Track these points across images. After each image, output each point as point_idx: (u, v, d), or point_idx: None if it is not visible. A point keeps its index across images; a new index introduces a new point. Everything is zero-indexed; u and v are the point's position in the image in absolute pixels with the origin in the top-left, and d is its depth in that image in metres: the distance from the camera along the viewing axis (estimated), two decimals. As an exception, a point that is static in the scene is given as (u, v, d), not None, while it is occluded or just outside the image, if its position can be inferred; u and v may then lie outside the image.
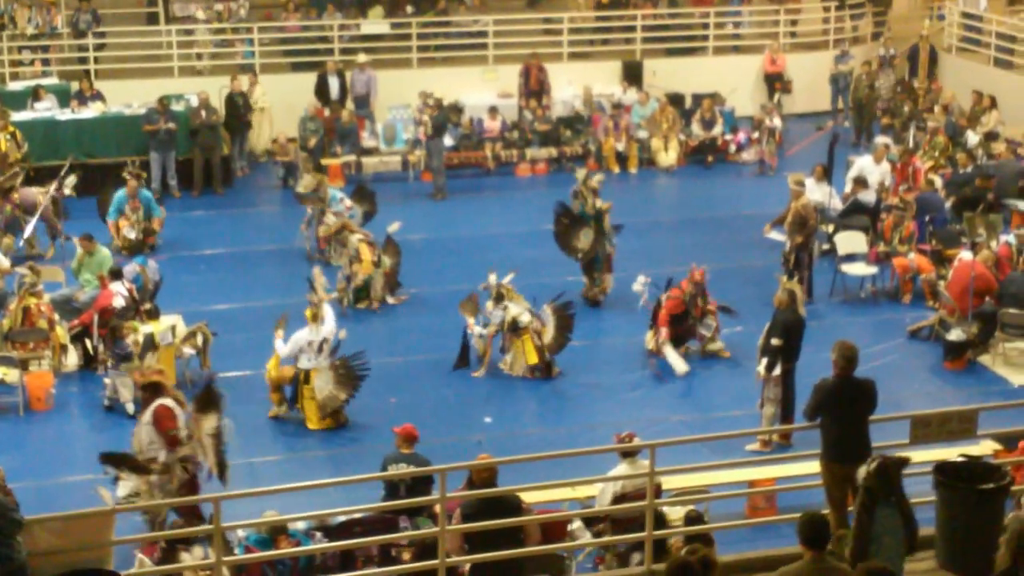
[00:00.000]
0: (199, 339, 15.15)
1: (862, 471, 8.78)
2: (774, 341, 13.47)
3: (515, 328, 15.38)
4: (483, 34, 26.65)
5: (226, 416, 11.46)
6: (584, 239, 17.34)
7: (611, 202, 17.67)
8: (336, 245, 18.27)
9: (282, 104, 24.28)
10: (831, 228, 18.83)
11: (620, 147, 24.14)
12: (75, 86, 23.67)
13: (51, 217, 18.83)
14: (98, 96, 23.32)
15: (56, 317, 15.45)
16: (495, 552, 9.55)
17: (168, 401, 11.58)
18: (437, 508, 10.23)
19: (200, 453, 11.33)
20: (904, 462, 8.84)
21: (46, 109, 22.71)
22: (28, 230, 18.38)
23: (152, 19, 26.55)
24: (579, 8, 28.04)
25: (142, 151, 21.89)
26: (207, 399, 11.44)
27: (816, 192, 18.60)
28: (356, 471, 12.18)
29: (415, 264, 18.30)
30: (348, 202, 18.90)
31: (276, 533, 10.68)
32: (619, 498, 10.58)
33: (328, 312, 14.38)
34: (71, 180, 19.25)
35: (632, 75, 26.43)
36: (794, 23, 28.54)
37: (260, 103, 24.05)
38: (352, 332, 15.12)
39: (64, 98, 23.26)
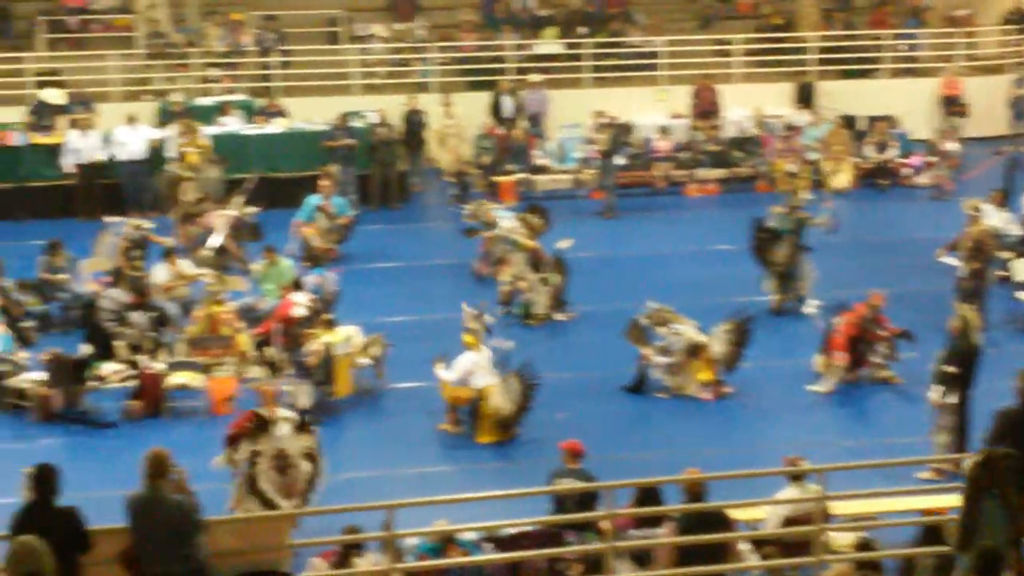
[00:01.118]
0: (375, 350, 15.57)
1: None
2: (950, 369, 13.27)
3: (694, 351, 15.44)
4: (655, 55, 26.78)
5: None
6: (780, 252, 17.56)
7: (828, 215, 18.02)
8: (498, 257, 18.62)
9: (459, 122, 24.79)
10: (1009, 255, 18.47)
11: (792, 168, 24.00)
12: (260, 102, 24.51)
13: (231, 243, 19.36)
14: (281, 112, 24.12)
15: (240, 325, 16.02)
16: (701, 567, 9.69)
17: None
18: (604, 524, 10.43)
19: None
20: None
21: (233, 124, 23.57)
22: (213, 244, 18.98)
23: (333, 38, 27.31)
24: (751, 30, 27.98)
25: (323, 166, 22.52)
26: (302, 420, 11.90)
27: (994, 218, 18.28)
28: (523, 484, 12.38)
29: (583, 282, 18.47)
30: (510, 223, 19.00)
31: (446, 542, 10.93)
32: (787, 522, 10.59)
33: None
34: (239, 200, 19.71)
35: (805, 96, 26.27)
36: (970, 46, 28.02)
37: (451, 123, 24.40)
38: (519, 348, 15.35)
39: (250, 114, 24.12)
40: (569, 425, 14.20)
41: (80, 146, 22.46)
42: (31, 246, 18.98)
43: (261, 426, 11.73)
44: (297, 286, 16.16)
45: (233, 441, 11.77)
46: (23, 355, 15.53)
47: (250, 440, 11.70)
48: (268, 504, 11.62)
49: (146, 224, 18.56)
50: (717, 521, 10.03)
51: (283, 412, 12.03)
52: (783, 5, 29.09)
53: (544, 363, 14.81)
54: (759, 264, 18.03)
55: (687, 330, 15.53)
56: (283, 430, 11.77)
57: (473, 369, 14.30)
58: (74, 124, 22.78)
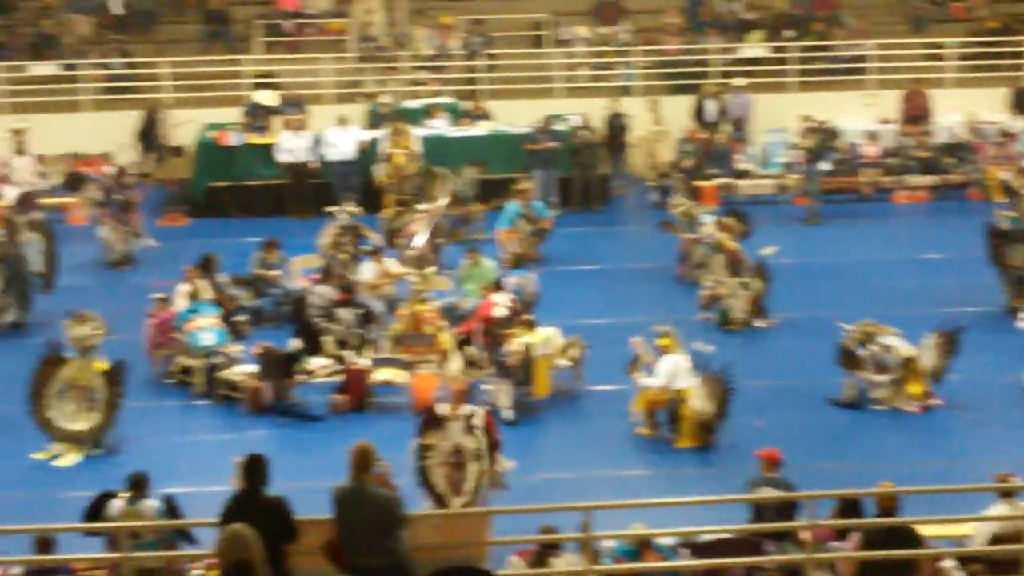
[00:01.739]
0: (574, 352, 15.65)
1: None
2: None
3: (905, 364, 15.11)
4: (863, 58, 26.25)
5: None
6: (1018, 255, 17.16)
7: None
8: (697, 262, 18.53)
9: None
10: None
11: (1007, 177, 23.19)
12: (466, 105, 24.88)
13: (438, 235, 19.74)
14: (486, 115, 24.44)
15: (443, 324, 16.29)
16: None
17: None
18: (803, 535, 10.29)
19: None
20: None
21: (439, 126, 23.99)
22: (417, 243, 19.31)
23: (538, 42, 27.53)
24: (965, 33, 27.18)
25: (525, 168, 22.73)
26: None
27: None
28: (721, 491, 12.33)
29: (785, 289, 18.22)
30: (711, 228, 18.92)
31: (643, 546, 10.93)
32: (995, 539, 10.29)
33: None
34: (442, 201, 20.08)
35: (1021, 102, 25.39)
36: None
37: (658, 128, 24.31)
38: (718, 353, 15.21)
39: (456, 116, 24.51)
40: (768, 433, 14.06)
41: (292, 146, 23.14)
42: (245, 243, 19.67)
43: (435, 421, 11.88)
44: (498, 286, 16.36)
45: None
46: (236, 348, 16.05)
47: (423, 434, 11.89)
48: (439, 499, 11.79)
49: (358, 212, 19.06)
50: (906, 537, 9.73)
51: (467, 409, 12.15)
52: (999, 8, 28.17)
53: (743, 370, 14.67)
54: (996, 270, 17.63)
55: (897, 343, 15.19)
56: (460, 427, 11.91)
57: (675, 371, 14.24)
58: (287, 125, 23.49)
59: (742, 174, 24.16)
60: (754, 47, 27.01)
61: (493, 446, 12.16)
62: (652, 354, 14.59)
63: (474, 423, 12.04)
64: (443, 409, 12.07)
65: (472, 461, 11.94)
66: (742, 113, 25.11)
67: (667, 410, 14.46)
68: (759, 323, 17.74)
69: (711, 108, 24.93)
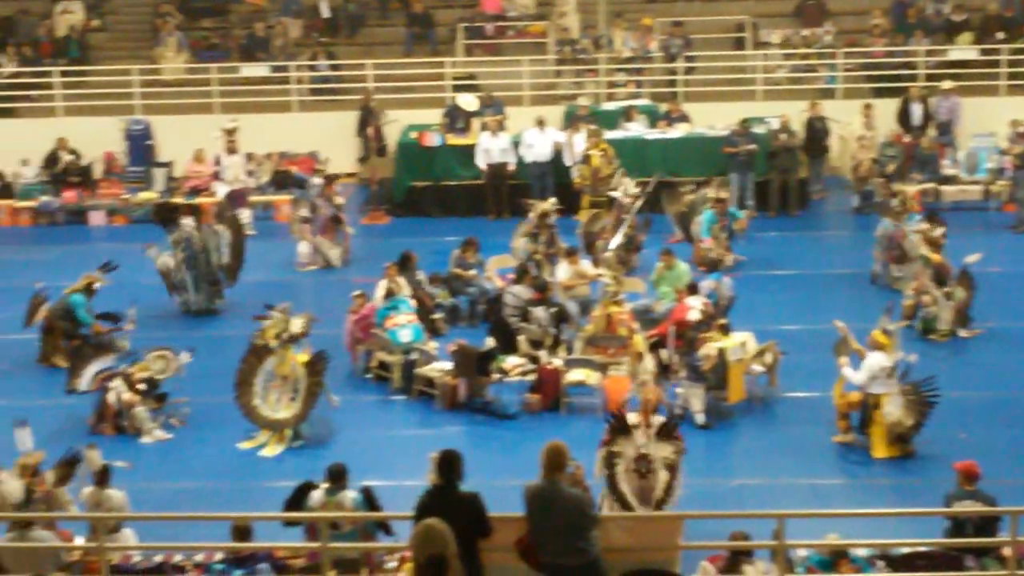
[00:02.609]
0: (768, 357, 15.47)
1: None
2: None
3: None
4: (1078, 61, 25.31)
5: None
6: None
7: None
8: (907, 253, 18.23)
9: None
10: None
11: None
12: (664, 107, 24.82)
13: (634, 233, 19.78)
14: (684, 117, 24.33)
15: (636, 326, 16.30)
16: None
17: None
18: (1005, 551, 10.00)
19: None
20: None
21: (636, 129, 23.98)
22: (614, 241, 19.37)
23: (739, 44, 27.28)
24: None
25: (722, 171, 22.54)
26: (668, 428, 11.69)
27: None
28: (918, 503, 12.07)
29: (991, 298, 17.69)
30: (924, 224, 18.58)
31: (837, 557, 10.76)
32: None
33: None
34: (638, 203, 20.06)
35: None
36: None
37: (868, 133, 23.86)
38: (921, 363, 14.87)
39: (653, 118, 24.46)
40: (970, 446, 13.66)
41: (490, 147, 23.43)
42: (443, 242, 20.01)
43: (622, 428, 11.69)
44: (693, 290, 16.29)
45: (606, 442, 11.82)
46: (432, 345, 16.34)
47: (611, 441, 11.69)
48: (626, 507, 11.61)
49: (552, 209, 19.21)
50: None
51: (657, 419, 11.87)
52: None
53: (946, 380, 14.28)
54: None
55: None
56: (648, 435, 11.65)
57: (878, 373, 13.94)
58: (485, 126, 23.79)
59: (948, 179, 23.52)
60: (963, 49, 26.26)
61: (678, 452, 11.87)
62: (861, 345, 14.29)
63: (665, 431, 11.76)
64: (633, 417, 11.88)
65: (661, 470, 11.66)
66: (949, 117, 24.47)
67: (860, 414, 14.18)
68: (963, 333, 17.27)
69: (916, 111, 24.35)
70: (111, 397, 14.75)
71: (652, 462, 11.61)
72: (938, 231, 18.39)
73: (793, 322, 17.60)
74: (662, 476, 11.61)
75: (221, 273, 18.96)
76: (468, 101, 24.67)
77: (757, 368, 15.46)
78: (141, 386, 14.84)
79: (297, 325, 14.83)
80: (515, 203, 21.73)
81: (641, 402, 12.08)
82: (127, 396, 14.70)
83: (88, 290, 17.37)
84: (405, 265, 17.75)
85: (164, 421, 14.85)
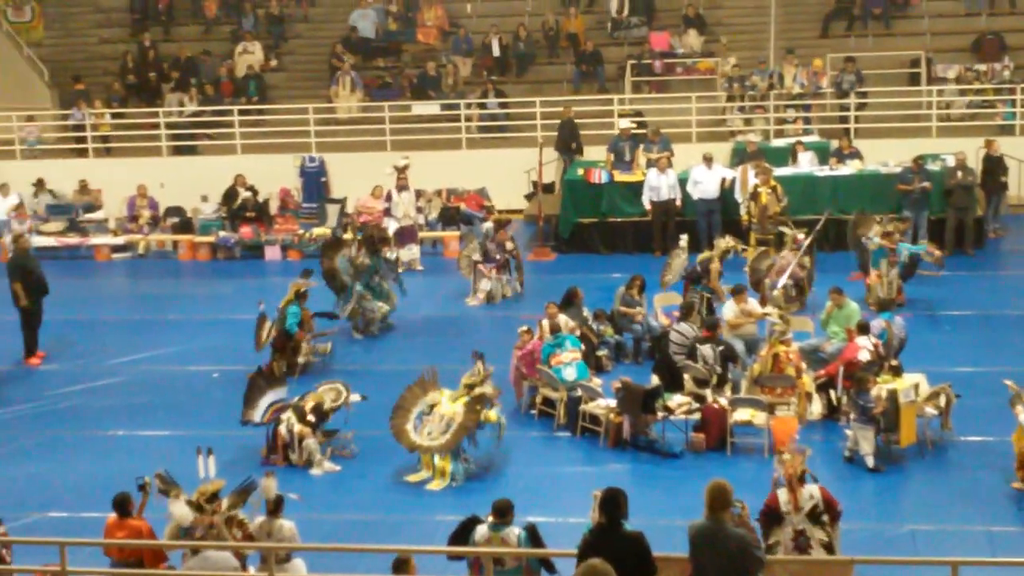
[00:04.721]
0: (942, 400, 15.08)
1: None
2: None
3: None
4: None
5: None
6: None
7: None
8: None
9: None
10: None
11: None
12: (834, 144, 24.49)
13: (800, 276, 19.54)
14: (856, 154, 23.97)
15: (804, 366, 16.06)
16: None
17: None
18: None
19: None
20: None
21: (806, 166, 23.71)
22: (779, 284, 19.19)
23: (914, 79, 26.80)
24: None
25: (895, 209, 22.14)
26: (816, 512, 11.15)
27: None
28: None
29: None
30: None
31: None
32: None
33: None
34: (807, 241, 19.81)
35: None
36: None
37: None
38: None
39: (823, 155, 24.16)
40: None
41: (658, 184, 23.41)
42: (609, 279, 20.03)
43: (776, 519, 11.05)
44: (863, 330, 15.99)
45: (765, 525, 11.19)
46: (597, 382, 16.33)
47: (766, 534, 10.97)
48: None
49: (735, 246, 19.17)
50: None
51: (805, 494, 11.20)
52: None
53: None
54: None
55: None
56: (802, 517, 11.04)
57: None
58: (650, 163, 23.79)
59: None
60: None
61: (834, 518, 11.31)
62: None
63: (817, 510, 11.09)
64: (783, 503, 11.13)
65: (818, 549, 11.05)
66: None
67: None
68: None
69: (1099, 148, 23.63)
70: (282, 428, 15.09)
71: (810, 538, 11.11)
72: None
73: (967, 364, 17.14)
74: (817, 553, 11.00)
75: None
76: (627, 125, 24.77)
77: (930, 411, 15.07)
78: (311, 418, 15.14)
79: (489, 388, 14.98)
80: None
81: (786, 479, 11.34)
82: (299, 428, 15.02)
83: (300, 297, 17.92)
84: (571, 301, 17.80)
85: (332, 453, 15.12)
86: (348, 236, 20.96)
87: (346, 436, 15.39)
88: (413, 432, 14.72)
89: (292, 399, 15.50)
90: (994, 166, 23.17)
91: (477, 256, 21.13)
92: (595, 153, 25.20)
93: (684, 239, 19.92)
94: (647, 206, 23.47)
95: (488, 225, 21.60)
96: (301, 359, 17.76)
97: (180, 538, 11.30)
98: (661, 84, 28.16)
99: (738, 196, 22.82)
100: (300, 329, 17.81)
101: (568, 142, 25.78)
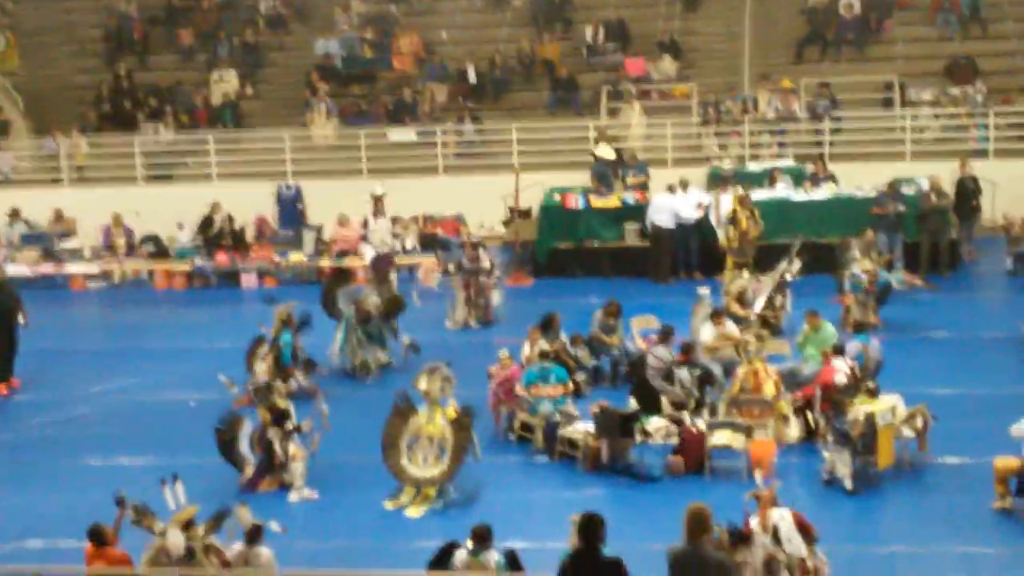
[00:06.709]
0: (918, 422, 15.12)
1: None
2: None
3: None
4: None
5: None
6: None
7: None
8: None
9: (1015, 189, 23.77)
10: None
11: None
12: (809, 168, 24.62)
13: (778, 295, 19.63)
14: (830, 178, 24.10)
15: (782, 388, 16.10)
16: None
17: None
18: None
19: None
20: None
21: (781, 190, 23.82)
22: (758, 305, 19.25)
23: (887, 103, 26.98)
24: None
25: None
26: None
27: None
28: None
29: None
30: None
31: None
32: None
33: None
34: (796, 267, 19.85)
35: None
36: None
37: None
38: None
39: (798, 179, 24.27)
40: None
41: (674, 207, 23.29)
42: (586, 303, 20.06)
43: (742, 539, 10.98)
44: (839, 352, 16.04)
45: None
46: (574, 407, 16.32)
47: (731, 552, 10.82)
48: None
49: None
50: None
51: (775, 517, 11.19)
52: None
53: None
54: None
55: None
56: (769, 540, 11.03)
57: (1026, 430, 13.55)
58: (628, 188, 23.86)
59: (1104, 241, 22.89)
60: None
61: (811, 542, 11.28)
62: None
63: (782, 533, 11.07)
64: (752, 524, 11.15)
65: (784, 572, 11.04)
66: (1106, 176, 23.87)
67: (1018, 479, 13.74)
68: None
69: (1071, 171, 23.81)
70: (277, 448, 14.96)
71: (778, 563, 11.04)
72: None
73: (944, 386, 17.19)
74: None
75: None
76: (605, 150, 24.80)
77: (907, 433, 15.10)
78: (289, 425, 15.03)
79: (423, 382, 14.95)
80: (657, 265, 21.75)
81: (758, 505, 11.29)
82: (293, 449, 14.94)
83: (288, 323, 17.83)
84: (549, 327, 17.81)
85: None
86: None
87: (321, 411, 15.28)
88: (411, 466, 14.66)
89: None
90: (968, 189, 23.31)
91: (452, 269, 21.16)
92: (571, 179, 25.25)
93: (705, 291, 19.61)
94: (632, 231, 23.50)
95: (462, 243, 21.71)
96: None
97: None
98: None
99: (713, 220, 22.89)
100: (294, 361, 17.70)
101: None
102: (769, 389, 15.90)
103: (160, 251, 26.02)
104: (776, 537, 11.12)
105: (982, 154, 25.33)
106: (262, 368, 17.31)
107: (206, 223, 25.83)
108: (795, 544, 11.17)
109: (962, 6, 28.92)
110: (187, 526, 11.39)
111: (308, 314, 18.41)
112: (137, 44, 32.15)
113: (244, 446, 15.17)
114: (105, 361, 20.33)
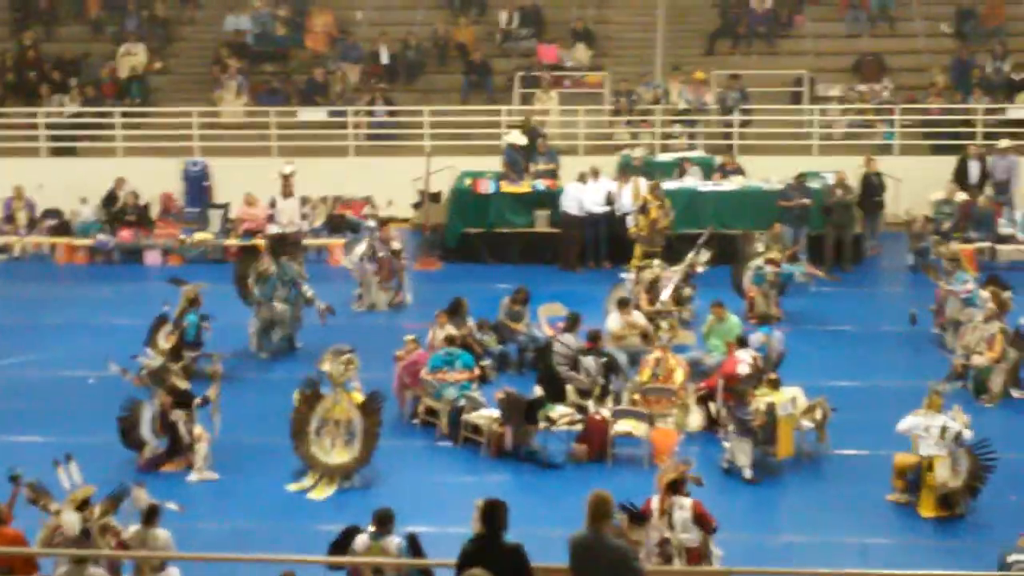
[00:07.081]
0: (818, 413, 15.33)
1: None
2: None
3: None
4: None
5: None
6: None
7: None
8: (951, 328, 18.10)
9: (918, 186, 24.19)
10: None
11: None
12: (718, 160, 24.83)
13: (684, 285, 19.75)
14: (739, 170, 24.33)
15: (686, 378, 16.24)
16: None
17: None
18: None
19: None
20: None
21: (690, 180, 23.99)
22: (665, 294, 19.33)
23: (796, 98, 27.28)
24: None
25: (771, 225, 22.46)
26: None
27: None
28: (967, 566, 11.89)
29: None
30: (971, 285, 18.49)
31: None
32: None
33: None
34: (704, 257, 19.97)
35: None
36: None
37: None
38: (974, 426, 14.63)
39: (707, 170, 24.46)
40: (1021, 509, 13.47)
41: (583, 197, 23.29)
42: (495, 289, 20.04)
43: (639, 518, 11.32)
44: (743, 343, 16.20)
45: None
46: (479, 392, 16.32)
47: (628, 530, 11.19)
48: None
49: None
50: None
51: (675, 502, 11.45)
52: None
53: (998, 442, 14.08)
54: None
55: None
56: (664, 523, 11.28)
57: (910, 428, 13.79)
58: (539, 175, 23.88)
59: (1005, 239, 23.35)
60: (1021, 108, 26.14)
61: (709, 532, 11.51)
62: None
63: (675, 520, 11.37)
64: (651, 504, 11.46)
65: (677, 557, 11.29)
66: (1006, 176, 24.35)
67: (913, 475, 13.99)
68: (1016, 394, 17.07)
69: (974, 169, 24.24)
70: (182, 430, 14.80)
71: (672, 546, 11.29)
72: (1006, 293, 18.15)
73: (844, 378, 17.45)
74: (677, 563, 11.21)
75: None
76: (517, 136, 24.78)
77: (806, 424, 15.30)
78: (196, 402, 14.88)
79: (326, 364, 14.86)
80: (567, 252, 21.80)
81: (659, 486, 11.60)
82: (197, 430, 14.77)
83: (194, 303, 17.61)
84: (456, 311, 17.77)
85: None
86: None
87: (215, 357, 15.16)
88: (321, 452, 14.55)
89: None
90: (873, 185, 23.66)
91: (362, 251, 21.01)
92: (483, 163, 25.20)
93: (629, 276, 19.70)
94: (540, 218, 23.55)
95: (371, 224, 21.54)
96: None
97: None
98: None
99: (618, 210, 22.95)
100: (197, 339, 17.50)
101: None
102: (679, 377, 16.05)
103: (62, 226, 25.57)
104: (670, 523, 11.28)
105: (887, 150, 25.72)
106: (163, 347, 17.06)
107: (110, 198, 25.43)
108: (690, 536, 11.34)
109: (872, 4, 29.33)
110: (83, 506, 11.22)
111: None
112: (44, 14, 31.49)
113: (146, 431, 14.98)
114: (2, 336, 19.94)
